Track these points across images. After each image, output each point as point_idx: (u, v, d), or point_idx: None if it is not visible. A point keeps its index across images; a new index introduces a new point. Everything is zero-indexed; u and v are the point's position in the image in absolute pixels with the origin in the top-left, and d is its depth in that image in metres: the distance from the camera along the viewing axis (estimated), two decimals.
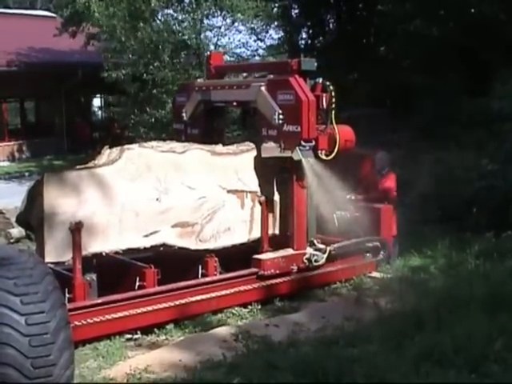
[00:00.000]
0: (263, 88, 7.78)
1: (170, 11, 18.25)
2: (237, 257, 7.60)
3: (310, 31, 17.48)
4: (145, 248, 7.09)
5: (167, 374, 5.55)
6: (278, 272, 7.60)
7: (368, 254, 8.50)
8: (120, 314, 6.52)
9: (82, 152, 22.28)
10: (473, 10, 13.64)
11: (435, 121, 12.14)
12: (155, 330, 6.74)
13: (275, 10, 19.28)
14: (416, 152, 11.66)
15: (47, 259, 6.27)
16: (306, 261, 7.76)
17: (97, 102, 28.27)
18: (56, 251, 6.44)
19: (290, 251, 7.78)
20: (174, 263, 7.13)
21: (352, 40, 15.82)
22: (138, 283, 6.83)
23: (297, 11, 17.94)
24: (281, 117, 7.56)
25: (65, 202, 6.47)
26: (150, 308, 6.71)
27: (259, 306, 7.40)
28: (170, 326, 6.81)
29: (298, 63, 7.71)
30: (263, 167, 7.82)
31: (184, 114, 8.73)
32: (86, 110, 27.48)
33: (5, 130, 24.28)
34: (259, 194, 7.76)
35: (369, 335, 5.56)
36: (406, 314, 6.13)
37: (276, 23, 20.79)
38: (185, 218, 7.20)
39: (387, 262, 8.68)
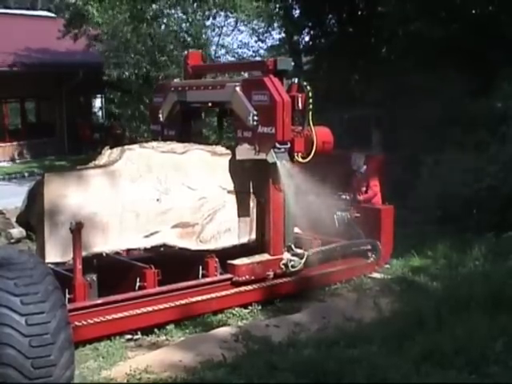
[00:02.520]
0: (238, 88, 7.56)
1: (172, 11, 18.29)
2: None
3: (311, 32, 17.45)
4: (145, 248, 7.10)
5: (167, 374, 5.55)
6: (253, 278, 7.40)
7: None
8: (120, 315, 6.53)
9: (82, 152, 22.27)
10: (474, 11, 13.62)
11: (437, 122, 12.12)
12: (155, 330, 6.75)
13: (276, 10, 19.27)
14: (417, 153, 11.65)
15: (48, 259, 6.28)
16: (282, 266, 7.57)
17: (97, 102, 28.26)
18: (56, 251, 6.45)
19: (266, 256, 7.58)
20: (175, 264, 7.13)
21: (353, 41, 15.79)
22: (138, 284, 6.84)
23: (298, 12, 17.93)
24: (255, 118, 7.34)
25: (65, 202, 6.48)
26: (150, 308, 6.71)
27: (259, 307, 7.40)
28: (170, 327, 6.82)
29: (274, 63, 7.51)
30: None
31: (160, 115, 8.49)
32: (87, 110, 27.45)
33: (5, 130, 24.26)
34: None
35: (369, 336, 5.55)
36: (407, 314, 6.13)
37: (277, 24, 20.80)
38: (185, 219, 7.20)
39: (385, 263, 8.65)
